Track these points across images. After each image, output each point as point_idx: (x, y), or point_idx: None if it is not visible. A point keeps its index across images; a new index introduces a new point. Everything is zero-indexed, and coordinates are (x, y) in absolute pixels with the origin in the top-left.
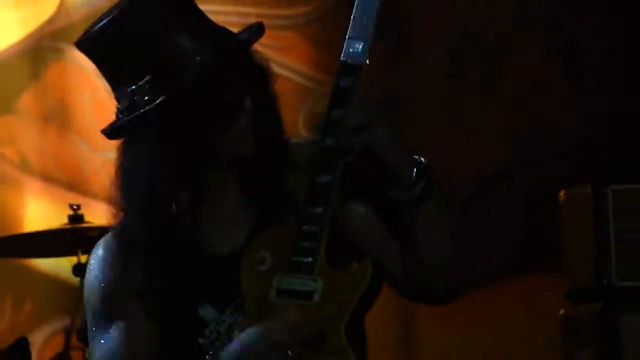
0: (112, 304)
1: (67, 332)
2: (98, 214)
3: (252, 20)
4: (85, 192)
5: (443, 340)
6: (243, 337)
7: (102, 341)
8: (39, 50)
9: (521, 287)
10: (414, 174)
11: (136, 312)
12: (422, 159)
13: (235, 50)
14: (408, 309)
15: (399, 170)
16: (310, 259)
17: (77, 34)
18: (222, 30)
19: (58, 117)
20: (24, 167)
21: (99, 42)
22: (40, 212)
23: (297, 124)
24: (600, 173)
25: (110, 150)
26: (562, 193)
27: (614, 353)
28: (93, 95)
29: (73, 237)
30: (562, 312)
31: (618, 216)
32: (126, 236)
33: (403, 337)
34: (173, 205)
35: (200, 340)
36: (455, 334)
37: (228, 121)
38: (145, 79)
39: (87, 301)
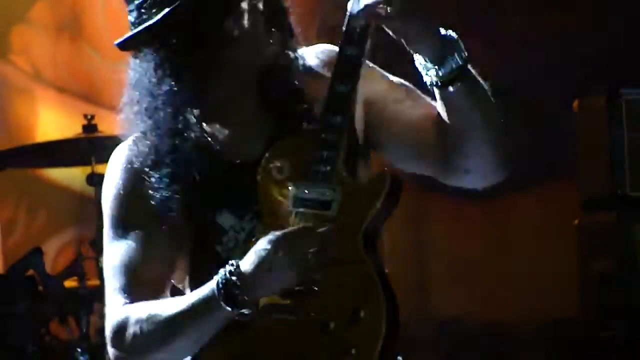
0: (130, 211)
1: (78, 242)
2: (111, 124)
3: None
4: (98, 102)
5: (456, 246)
6: (257, 245)
7: (118, 247)
8: None
9: (536, 196)
10: (445, 55)
11: (154, 220)
12: (451, 33)
13: None
14: (422, 215)
15: (424, 45)
16: (328, 168)
17: None
18: None
19: (70, 27)
20: (37, 76)
21: None
22: (53, 122)
23: (309, 35)
24: (614, 81)
25: (122, 60)
26: (575, 102)
27: (629, 261)
28: (105, 5)
29: (87, 147)
30: (576, 221)
31: (631, 126)
32: (138, 149)
33: (416, 243)
34: (180, 119)
35: (218, 248)
36: (469, 240)
37: (234, 27)
38: None
39: (105, 207)
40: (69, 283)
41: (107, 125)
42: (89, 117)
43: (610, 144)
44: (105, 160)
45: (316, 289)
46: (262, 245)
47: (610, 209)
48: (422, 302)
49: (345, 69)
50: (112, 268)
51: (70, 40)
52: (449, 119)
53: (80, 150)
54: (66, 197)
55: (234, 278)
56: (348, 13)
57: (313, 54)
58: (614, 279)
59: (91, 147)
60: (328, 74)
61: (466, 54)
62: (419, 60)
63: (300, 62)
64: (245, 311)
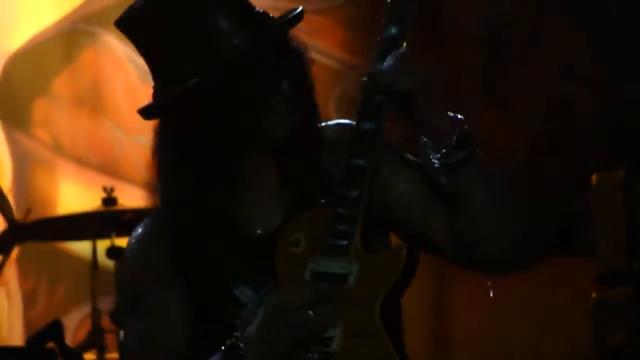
0: (147, 286)
1: (95, 315)
2: (130, 197)
3: (285, 4)
4: (117, 174)
5: (473, 322)
6: (263, 306)
7: (136, 322)
8: (73, 33)
9: (554, 270)
10: (455, 139)
11: (172, 295)
12: (465, 125)
13: (273, 34)
14: (443, 289)
15: (437, 132)
16: (345, 242)
17: (111, 18)
18: (261, 14)
19: (91, 100)
20: (58, 149)
21: (138, 21)
22: (73, 195)
23: (328, 107)
24: (633, 157)
25: (142, 133)
26: (594, 177)
27: None
28: (125, 80)
29: (107, 220)
30: (593, 295)
31: None
32: (164, 218)
33: (435, 318)
34: (210, 187)
35: (237, 322)
36: (486, 316)
37: (263, 104)
38: (183, 59)
39: (122, 282)
40: (89, 356)
41: (127, 198)
42: (108, 189)
43: (628, 218)
44: (124, 233)
45: None
46: (266, 302)
47: (627, 283)
48: None
49: (362, 144)
50: (129, 342)
51: (90, 113)
52: (460, 202)
53: (100, 223)
54: (85, 270)
55: (239, 344)
56: (365, 88)
57: (331, 128)
58: (629, 354)
59: (111, 220)
60: (346, 148)
61: (475, 137)
62: (427, 143)
63: (320, 135)
64: None
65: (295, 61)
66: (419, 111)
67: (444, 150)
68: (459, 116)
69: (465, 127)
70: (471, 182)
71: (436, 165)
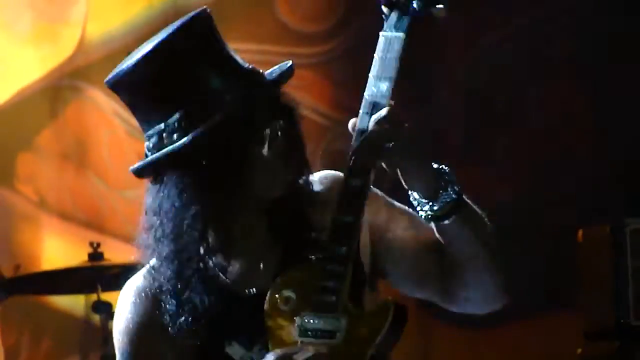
0: (140, 347)
1: None
2: (115, 252)
3: (272, 58)
4: (102, 229)
5: None
6: None
7: None
8: (58, 88)
9: (539, 325)
10: (439, 190)
11: (165, 354)
12: (444, 166)
13: (264, 90)
14: (427, 345)
15: (419, 181)
16: (333, 298)
17: (96, 73)
18: (252, 70)
19: (76, 155)
20: (42, 204)
21: (128, 80)
22: (58, 250)
23: (315, 162)
24: (617, 211)
25: (127, 188)
26: (580, 231)
27: None
28: (111, 135)
29: (93, 275)
30: (579, 350)
31: (635, 255)
32: (154, 277)
33: None
34: (201, 246)
35: None
36: None
37: (256, 162)
38: (175, 117)
39: (116, 343)
40: None
41: (113, 253)
42: (95, 244)
43: (614, 273)
44: (110, 288)
45: None
46: None
47: (613, 338)
48: None
49: (349, 200)
50: None
51: (75, 168)
52: (447, 249)
53: (86, 278)
54: (70, 324)
55: None
56: (352, 146)
57: (318, 180)
58: None
59: (97, 275)
60: (333, 200)
61: (459, 187)
62: (413, 195)
63: (311, 192)
64: None
65: (287, 117)
66: (403, 169)
67: (430, 202)
68: (443, 167)
69: (449, 175)
70: (456, 230)
71: (424, 216)
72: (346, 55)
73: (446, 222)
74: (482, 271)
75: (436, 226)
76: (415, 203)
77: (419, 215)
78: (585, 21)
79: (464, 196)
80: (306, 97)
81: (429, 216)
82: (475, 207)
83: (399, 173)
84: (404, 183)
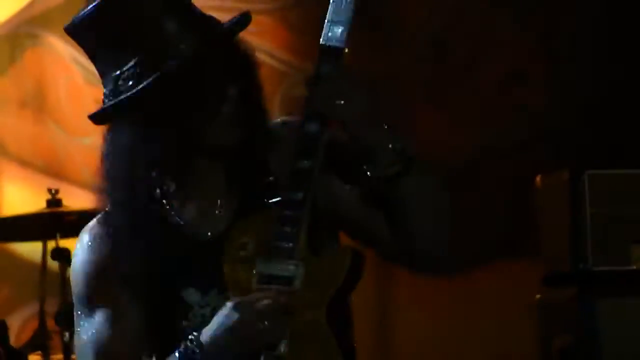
0: (97, 289)
1: (41, 316)
2: (75, 198)
3: (230, 5)
4: (61, 176)
5: (419, 323)
6: (218, 313)
7: (87, 326)
8: (16, 36)
9: (498, 272)
10: (391, 156)
11: (121, 297)
12: (401, 141)
13: (220, 38)
14: (386, 291)
15: (376, 150)
16: (290, 244)
17: (55, 20)
18: (208, 18)
19: (34, 102)
20: (1, 150)
21: (86, 27)
22: (17, 196)
23: (272, 108)
24: (575, 159)
25: (85, 135)
26: (538, 178)
27: (590, 338)
28: (68, 81)
29: (52, 221)
30: (538, 297)
31: (594, 201)
32: (110, 222)
33: (380, 318)
34: (156, 191)
35: (184, 324)
36: (431, 317)
37: (211, 109)
38: (130, 64)
39: (73, 286)
40: (33, 357)
41: (71, 199)
42: (53, 191)
43: (573, 219)
44: (69, 234)
45: None
46: (222, 311)
47: (571, 284)
48: None
49: (306, 145)
50: (82, 346)
51: (34, 115)
52: (396, 209)
53: (45, 224)
54: (30, 271)
55: (195, 349)
56: (308, 92)
57: (276, 126)
58: (574, 356)
59: (56, 222)
60: (291, 146)
61: (411, 146)
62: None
63: (269, 139)
64: None
65: (243, 66)
66: (354, 131)
67: (380, 166)
68: (396, 130)
69: (401, 142)
70: (407, 190)
71: (374, 179)
72: (303, 1)
73: (397, 183)
74: (433, 225)
75: (387, 188)
76: (366, 167)
77: (369, 176)
78: None
79: (414, 156)
80: (264, 43)
81: (379, 177)
82: (426, 164)
83: (351, 129)
84: (354, 141)
